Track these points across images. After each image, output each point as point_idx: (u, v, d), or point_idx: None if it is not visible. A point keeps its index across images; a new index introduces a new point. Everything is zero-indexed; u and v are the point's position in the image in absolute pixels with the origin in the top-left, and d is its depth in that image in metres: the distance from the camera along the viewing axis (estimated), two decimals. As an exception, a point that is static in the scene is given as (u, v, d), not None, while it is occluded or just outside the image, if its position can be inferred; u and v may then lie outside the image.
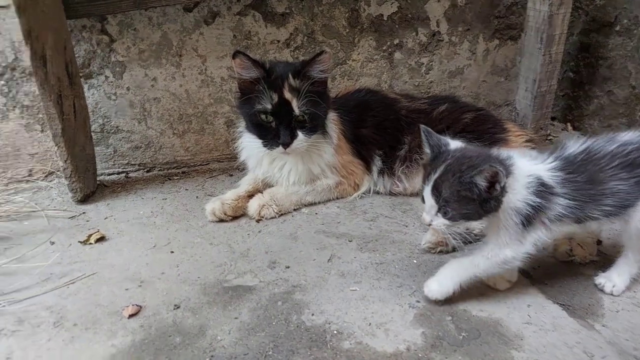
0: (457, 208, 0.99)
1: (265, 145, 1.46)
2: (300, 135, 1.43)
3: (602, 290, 1.17)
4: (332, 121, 1.58)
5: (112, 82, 1.73)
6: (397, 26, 1.97)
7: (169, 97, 1.80)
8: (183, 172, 1.88)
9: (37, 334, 1.07)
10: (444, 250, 1.33)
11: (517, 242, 1.02)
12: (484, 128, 1.62)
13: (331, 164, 1.56)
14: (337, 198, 1.64)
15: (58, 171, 1.70)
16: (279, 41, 1.84)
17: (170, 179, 1.83)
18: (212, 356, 1.00)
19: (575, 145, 1.06)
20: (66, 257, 1.35)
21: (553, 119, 2.34)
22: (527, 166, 1.02)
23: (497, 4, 2.06)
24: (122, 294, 1.20)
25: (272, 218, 1.52)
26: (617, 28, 2.01)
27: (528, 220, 1.00)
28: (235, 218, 1.53)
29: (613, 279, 1.15)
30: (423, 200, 1.05)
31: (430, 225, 1.04)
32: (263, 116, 1.42)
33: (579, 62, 2.21)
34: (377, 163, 1.65)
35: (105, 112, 1.77)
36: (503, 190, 0.97)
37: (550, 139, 2.11)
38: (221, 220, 1.51)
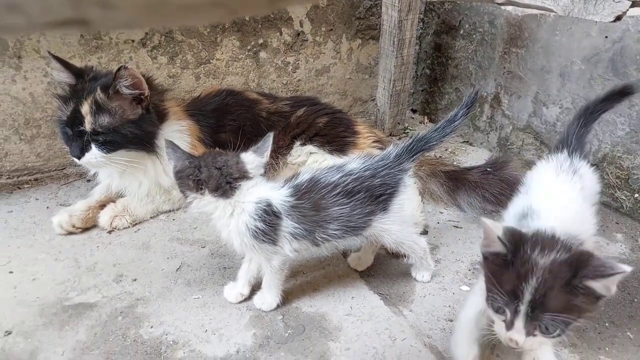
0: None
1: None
2: (95, 150, 1.40)
3: (415, 279, 1.36)
4: (186, 130, 1.59)
5: None
6: (260, 26, 2.00)
7: (11, 101, 1.67)
8: (35, 180, 1.79)
9: None
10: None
11: (276, 254, 1.14)
12: (336, 132, 1.73)
13: None
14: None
15: None
16: (133, 41, 1.78)
17: (20, 188, 1.73)
18: (40, 381, 1.02)
19: (304, 174, 1.16)
20: None
21: (414, 111, 2.56)
22: (260, 192, 1.11)
23: (357, 5, 2.18)
24: (-52, 323, 1.15)
25: (125, 228, 1.52)
26: (461, 32, 2.24)
27: (269, 239, 1.10)
28: (86, 229, 1.50)
29: (422, 269, 1.34)
30: None
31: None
32: (62, 125, 1.41)
33: (434, 60, 2.42)
34: (236, 168, 1.70)
35: None
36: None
37: (407, 132, 2.31)
38: (70, 233, 1.48)
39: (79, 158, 1.41)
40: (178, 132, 1.57)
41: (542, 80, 1.92)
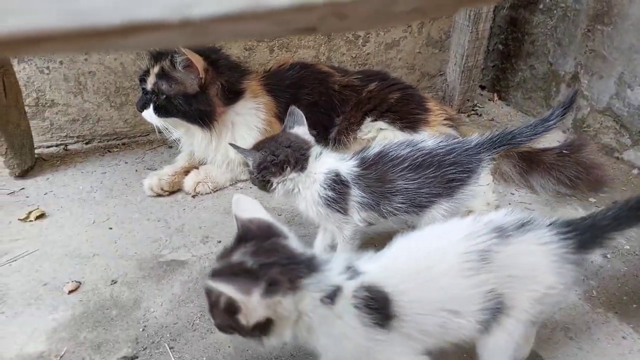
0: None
1: None
2: (151, 109, 1.51)
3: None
4: (263, 107, 1.63)
5: (43, 55, 1.71)
6: (334, -1, 2.00)
7: (104, 70, 1.80)
8: (123, 144, 1.93)
9: (-19, 310, 1.17)
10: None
11: (347, 223, 1.18)
12: (408, 109, 1.72)
13: None
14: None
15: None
16: (214, 14, 1.84)
17: (110, 151, 1.88)
18: (145, 326, 1.15)
19: (373, 147, 1.19)
20: (6, 234, 1.42)
21: (483, 87, 2.49)
22: (329, 163, 1.16)
23: (432, -23, 2.12)
24: (63, 270, 1.30)
25: (207, 194, 1.62)
26: (541, 6, 2.13)
27: (340, 208, 1.15)
28: (172, 193, 1.62)
29: None
30: None
31: None
32: (139, 77, 1.56)
33: (508, 35, 2.33)
34: (312, 144, 1.74)
35: (38, 86, 1.76)
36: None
37: (476, 110, 2.27)
38: (159, 195, 1.60)
39: (140, 111, 1.55)
40: (253, 110, 1.62)
41: (629, 60, 1.82)
